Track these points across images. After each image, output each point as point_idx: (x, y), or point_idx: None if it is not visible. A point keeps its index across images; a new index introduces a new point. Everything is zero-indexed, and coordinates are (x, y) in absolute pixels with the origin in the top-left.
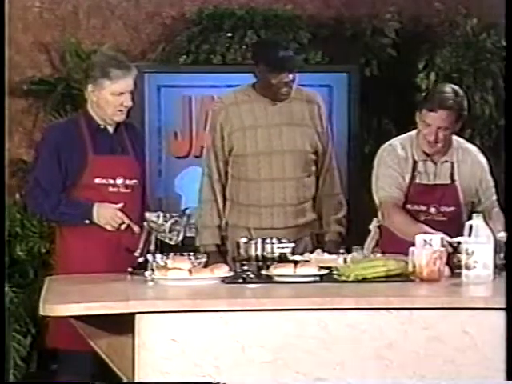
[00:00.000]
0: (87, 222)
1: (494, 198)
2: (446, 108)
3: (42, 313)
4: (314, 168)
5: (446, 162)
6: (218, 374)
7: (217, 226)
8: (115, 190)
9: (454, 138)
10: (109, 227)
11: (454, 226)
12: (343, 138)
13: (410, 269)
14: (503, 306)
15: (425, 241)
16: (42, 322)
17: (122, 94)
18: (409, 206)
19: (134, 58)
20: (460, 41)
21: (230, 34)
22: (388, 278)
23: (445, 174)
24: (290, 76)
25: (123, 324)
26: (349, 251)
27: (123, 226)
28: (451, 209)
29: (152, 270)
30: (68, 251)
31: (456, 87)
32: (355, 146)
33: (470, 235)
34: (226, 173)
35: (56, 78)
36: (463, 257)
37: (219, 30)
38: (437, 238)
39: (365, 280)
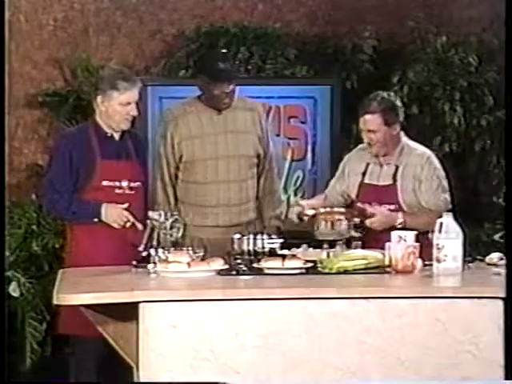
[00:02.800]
0: (96, 220)
1: (439, 202)
2: (370, 112)
3: (55, 302)
4: (255, 170)
5: (390, 164)
6: (213, 358)
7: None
8: (121, 191)
9: (406, 142)
10: (115, 225)
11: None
12: (326, 144)
13: (387, 262)
14: (471, 294)
15: (400, 237)
16: (55, 310)
17: (128, 104)
18: (359, 204)
19: (139, 72)
20: (431, 57)
21: (224, 50)
22: (367, 270)
23: (388, 176)
24: (230, 87)
25: (128, 312)
26: (332, 246)
27: (128, 224)
28: (391, 207)
29: (154, 263)
30: (78, 247)
31: (385, 94)
32: (337, 151)
33: (440, 231)
34: (176, 177)
35: (68, 91)
36: (434, 251)
37: (215, 46)
38: (411, 234)
39: (346, 272)
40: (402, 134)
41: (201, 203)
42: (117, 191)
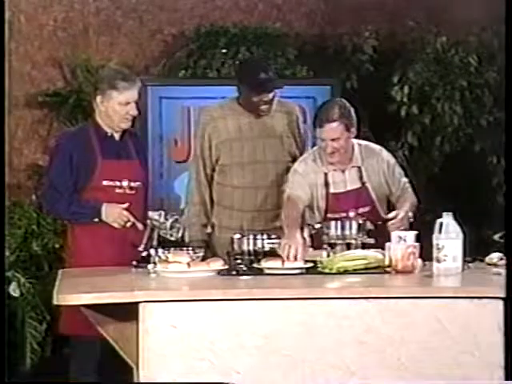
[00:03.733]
0: (96, 220)
1: (405, 184)
2: (331, 121)
3: (55, 302)
4: None
5: (353, 167)
6: (213, 358)
7: (203, 224)
8: (121, 191)
9: (357, 142)
10: (116, 225)
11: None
12: None
13: (387, 262)
14: (471, 294)
15: (399, 237)
16: (55, 310)
17: (128, 103)
18: (330, 215)
19: (139, 72)
20: (431, 57)
21: (224, 51)
22: (367, 271)
23: (354, 179)
24: (270, 95)
25: (128, 312)
26: (332, 246)
27: (128, 224)
28: (367, 209)
29: (154, 263)
30: (79, 247)
31: (339, 100)
32: None
33: (440, 232)
34: (212, 178)
35: (68, 91)
36: (434, 251)
37: (215, 46)
38: (411, 234)
39: (346, 272)
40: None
41: (237, 207)
42: (117, 191)
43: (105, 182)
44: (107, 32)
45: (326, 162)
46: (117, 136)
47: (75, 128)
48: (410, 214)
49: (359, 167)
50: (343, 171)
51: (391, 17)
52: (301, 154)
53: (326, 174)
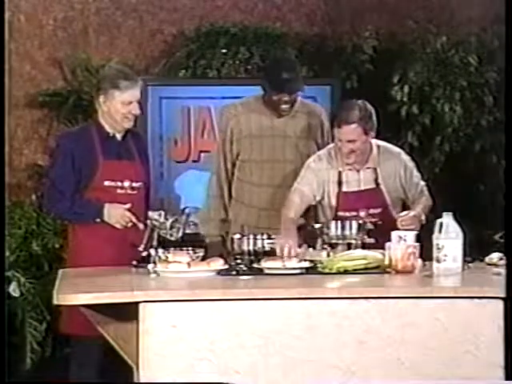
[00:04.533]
0: (98, 220)
1: (422, 188)
2: (349, 123)
3: (55, 302)
4: None
5: (369, 168)
6: (213, 357)
7: (221, 219)
8: (123, 191)
9: (375, 143)
10: (118, 225)
11: (384, 224)
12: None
13: (387, 262)
14: (471, 294)
15: (400, 237)
16: (56, 310)
17: (130, 103)
18: (340, 213)
19: (139, 72)
20: (431, 57)
21: (224, 51)
22: (367, 271)
23: (369, 180)
24: (291, 96)
25: (128, 312)
26: (332, 246)
27: (130, 224)
28: (379, 210)
29: (154, 263)
30: (79, 246)
31: (361, 102)
32: None
33: (440, 231)
34: (233, 173)
35: (68, 91)
36: (434, 251)
37: (215, 46)
38: (411, 234)
39: (346, 272)
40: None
41: (254, 204)
42: (119, 191)
43: (106, 183)
44: (107, 32)
45: (342, 162)
46: (119, 136)
47: (77, 128)
48: (423, 217)
49: (375, 168)
50: (358, 171)
51: (391, 17)
52: None
53: (340, 173)
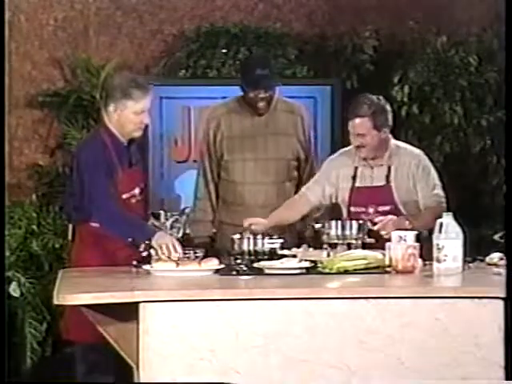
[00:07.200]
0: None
1: (435, 196)
2: (359, 116)
3: (55, 302)
4: (295, 174)
5: (382, 165)
6: (213, 358)
7: (210, 220)
8: (134, 200)
9: (395, 143)
10: (163, 256)
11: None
12: (326, 143)
13: (387, 262)
14: (471, 294)
15: (400, 237)
16: (56, 310)
17: (142, 112)
18: (352, 209)
19: (139, 72)
20: (431, 57)
21: (224, 51)
22: (367, 271)
23: (381, 177)
24: (266, 93)
25: (128, 312)
26: (332, 246)
27: (173, 256)
28: (387, 208)
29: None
30: (80, 246)
31: (374, 97)
32: (338, 150)
33: (440, 231)
34: (219, 175)
35: (68, 91)
36: (434, 251)
37: (215, 46)
38: (411, 235)
39: (346, 272)
40: (391, 136)
41: (238, 202)
42: (132, 201)
43: (124, 196)
44: (107, 32)
45: (359, 157)
46: (125, 143)
47: (90, 138)
48: (407, 223)
49: (389, 166)
50: (372, 168)
51: (391, 17)
52: (305, 154)
53: (356, 168)
